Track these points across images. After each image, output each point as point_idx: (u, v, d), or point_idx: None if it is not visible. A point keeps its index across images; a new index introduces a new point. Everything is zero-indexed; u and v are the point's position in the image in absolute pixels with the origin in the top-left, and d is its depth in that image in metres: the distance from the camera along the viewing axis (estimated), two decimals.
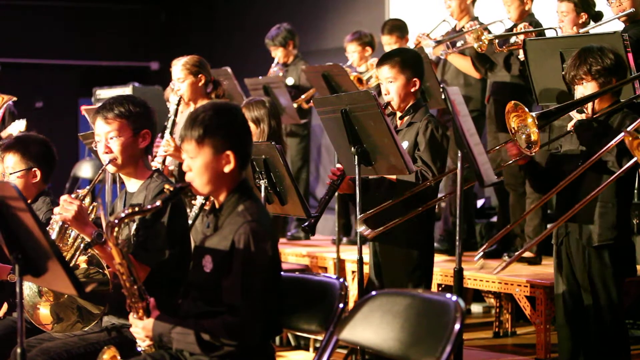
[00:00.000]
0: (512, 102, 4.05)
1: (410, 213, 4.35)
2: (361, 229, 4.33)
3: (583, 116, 4.23)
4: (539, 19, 6.15)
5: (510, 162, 4.37)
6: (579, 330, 4.27)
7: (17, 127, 6.68)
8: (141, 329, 3.16)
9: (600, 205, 4.16)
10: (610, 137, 4.02)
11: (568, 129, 4.33)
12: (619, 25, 5.25)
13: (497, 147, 4.97)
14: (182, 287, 3.35)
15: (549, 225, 4.42)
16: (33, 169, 4.40)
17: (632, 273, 4.39)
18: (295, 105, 7.34)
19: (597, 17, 5.57)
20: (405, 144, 4.46)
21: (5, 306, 4.37)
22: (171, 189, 3.12)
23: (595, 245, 4.18)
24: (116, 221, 3.06)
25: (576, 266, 4.25)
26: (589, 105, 4.17)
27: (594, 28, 5.44)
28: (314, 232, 4.46)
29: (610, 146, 3.99)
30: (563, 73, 4.32)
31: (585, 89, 4.18)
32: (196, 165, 3.12)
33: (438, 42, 6.37)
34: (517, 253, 4.48)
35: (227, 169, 3.13)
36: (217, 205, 3.20)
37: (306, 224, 4.42)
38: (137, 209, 3.11)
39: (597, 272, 4.19)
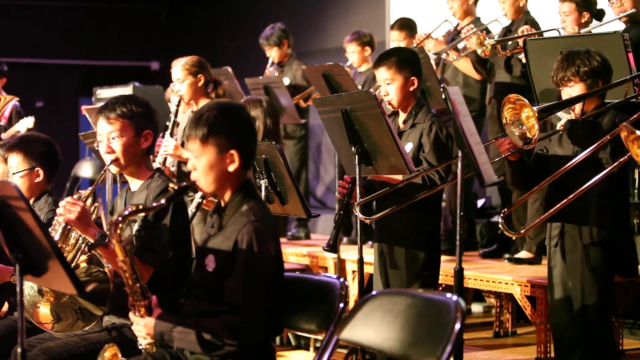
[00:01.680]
0: (514, 95, 4.02)
1: (406, 202, 4.35)
2: (358, 214, 4.33)
3: (572, 116, 4.23)
4: (538, 19, 6.15)
5: (500, 158, 4.35)
6: (574, 330, 4.27)
7: (26, 123, 6.68)
8: (143, 326, 3.16)
9: (595, 204, 4.15)
10: (600, 136, 4.03)
11: (557, 128, 4.32)
12: (619, 26, 5.25)
13: (489, 142, 4.92)
14: (184, 286, 3.36)
15: (552, 224, 4.39)
16: (36, 169, 4.39)
17: (632, 273, 4.38)
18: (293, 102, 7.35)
19: (600, 15, 5.57)
20: (409, 146, 4.43)
21: (6, 305, 4.38)
22: (175, 187, 3.12)
23: (588, 244, 4.18)
24: (120, 219, 3.05)
25: (570, 265, 4.24)
26: (577, 105, 4.18)
27: (594, 28, 5.44)
28: (337, 251, 4.45)
29: (603, 141, 3.98)
30: (551, 75, 4.31)
31: (572, 90, 4.19)
32: (201, 164, 3.12)
33: (437, 54, 6.38)
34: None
35: (231, 168, 3.13)
36: (222, 204, 3.21)
37: (326, 245, 4.39)
38: (140, 206, 3.11)
39: (589, 270, 4.18)
